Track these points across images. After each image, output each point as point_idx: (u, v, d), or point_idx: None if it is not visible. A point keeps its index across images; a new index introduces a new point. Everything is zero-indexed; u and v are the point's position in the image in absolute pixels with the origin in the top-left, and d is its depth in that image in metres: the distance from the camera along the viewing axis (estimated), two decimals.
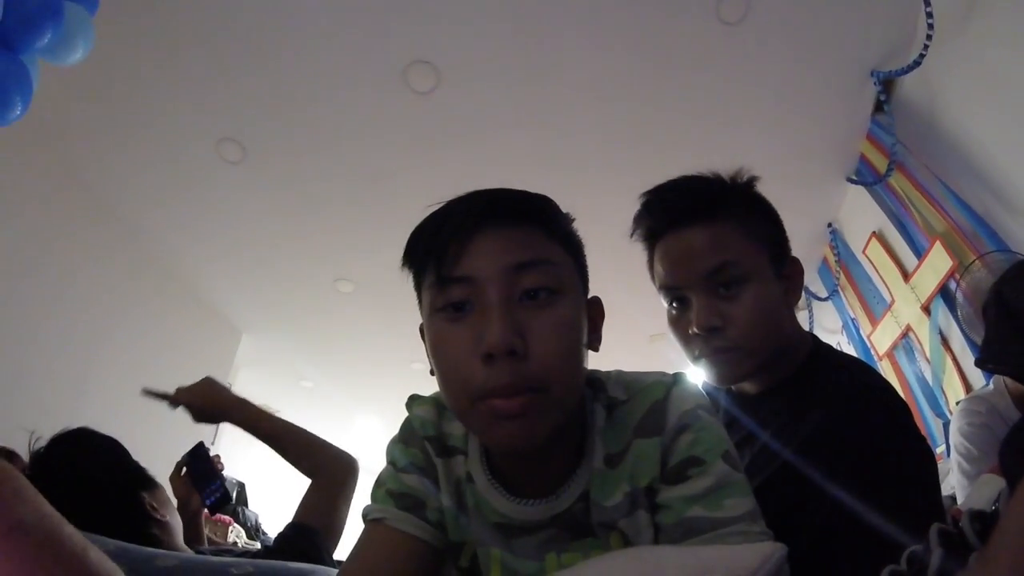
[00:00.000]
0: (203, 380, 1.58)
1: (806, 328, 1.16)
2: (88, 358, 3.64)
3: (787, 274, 1.07)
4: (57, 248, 3.42)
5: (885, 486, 0.84)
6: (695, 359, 1.05)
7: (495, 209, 0.73)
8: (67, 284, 3.48)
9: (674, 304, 1.05)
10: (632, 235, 1.12)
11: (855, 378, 0.99)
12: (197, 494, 1.61)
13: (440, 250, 0.71)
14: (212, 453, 1.67)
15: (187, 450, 1.66)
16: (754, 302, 0.99)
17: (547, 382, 0.68)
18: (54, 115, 3.03)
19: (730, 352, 1.00)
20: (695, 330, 1.00)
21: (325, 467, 1.45)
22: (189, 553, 1.38)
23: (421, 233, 0.75)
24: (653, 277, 1.10)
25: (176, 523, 1.49)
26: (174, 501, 1.57)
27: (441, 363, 0.72)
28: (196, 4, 2.62)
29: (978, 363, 1.11)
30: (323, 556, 1.30)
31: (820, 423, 0.93)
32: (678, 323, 1.05)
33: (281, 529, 1.41)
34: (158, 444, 3.56)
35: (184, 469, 1.63)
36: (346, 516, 1.42)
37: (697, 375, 1.04)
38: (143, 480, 1.47)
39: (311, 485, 1.44)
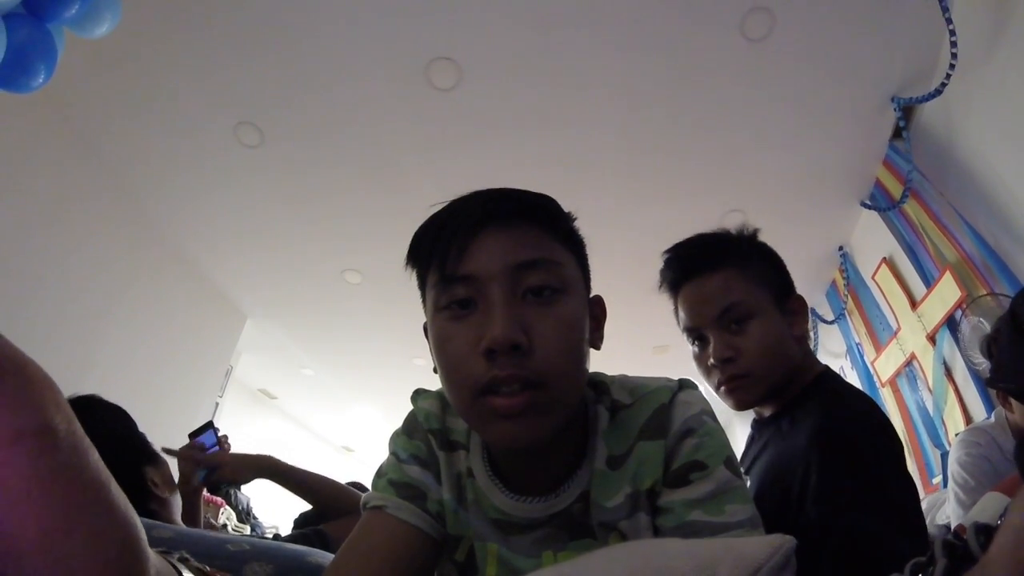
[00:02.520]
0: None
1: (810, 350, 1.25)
2: (92, 331, 3.65)
3: (791, 309, 1.21)
4: (67, 218, 3.41)
5: (862, 512, 0.89)
6: (716, 389, 1.20)
7: (498, 208, 0.74)
8: (75, 255, 3.48)
9: (696, 343, 1.22)
10: (660, 288, 1.28)
11: (847, 406, 1.07)
12: (196, 474, 1.62)
13: (443, 249, 0.72)
14: (220, 433, 1.68)
15: (198, 427, 1.67)
16: (760, 334, 1.14)
17: (548, 378, 0.68)
18: (75, 87, 3.04)
19: (742, 379, 1.15)
20: (712, 362, 1.16)
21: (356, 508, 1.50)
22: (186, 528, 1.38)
23: (425, 232, 0.76)
24: (678, 322, 1.25)
25: (175, 501, 1.50)
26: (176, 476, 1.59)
27: (444, 360, 0.73)
28: None
29: (989, 383, 1.14)
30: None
31: (805, 445, 1.00)
32: (700, 359, 1.21)
33: (303, 529, 1.46)
34: (157, 419, 3.58)
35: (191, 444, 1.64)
36: None
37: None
38: (148, 455, 1.47)
39: (344, 519, 1.50)
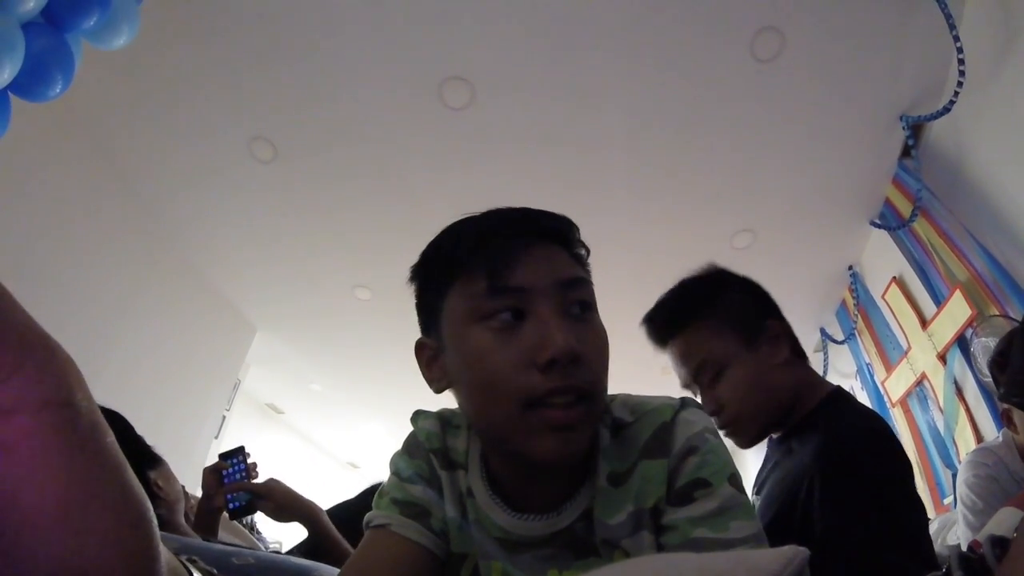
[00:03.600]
0: (277, 481, 1.61)
1: (820, 370, 1.28)
2: (101, 338, 3.65)
3: (768, 337, 1.23)
4: (79, 225, 3.42)
5: (864, 529, 0.91)
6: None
7: (544, 226, 0.76)
8: (85, 262, 3.48)
9: (696, 395, 1.28)
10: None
11: (851, 424, 1.09)
12: (223, 495, 1.63)
13: (492, 258, 0.72)
14: (250, 460, 1.68)
15: (230, 448, 1.67)
16: (735, 382, 1.20)
17: (596, 391, 0.70)
18: (91, 96, 3.07)
19: (734, 424, 1.21)
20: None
21: None
22: (192, 538, 1.38)
23: (460, 240, 0.76)
24: None
25: (178, 499, 1.49)
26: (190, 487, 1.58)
27: (486, 374, 0.71)
28: (240, 5, 2.69)
29: (1002, 397, 1.15)
30: None
31: (809, 463, 1.02)
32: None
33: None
34: (163, 430, 3.59)
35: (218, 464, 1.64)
36: None
37: None
38: (148, 458, 1.47)
39: None
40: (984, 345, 2.48)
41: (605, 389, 0.73)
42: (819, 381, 1.25)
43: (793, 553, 0.47)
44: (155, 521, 0.38)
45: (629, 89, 2.96)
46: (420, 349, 0.81)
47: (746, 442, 1.23)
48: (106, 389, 3.57)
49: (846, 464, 0.98)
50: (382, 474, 0.89)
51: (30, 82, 1.75)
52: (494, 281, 0.71)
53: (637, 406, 0.81)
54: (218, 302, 4.85)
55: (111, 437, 0.37)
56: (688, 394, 1.24)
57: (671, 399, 0.81)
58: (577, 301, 0.73)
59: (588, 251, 0.82)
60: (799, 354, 1.27)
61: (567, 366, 0.67)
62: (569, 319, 0.71)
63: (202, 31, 2.78)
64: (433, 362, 0.80)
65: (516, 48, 2.81)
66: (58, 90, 1.85)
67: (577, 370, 0.68)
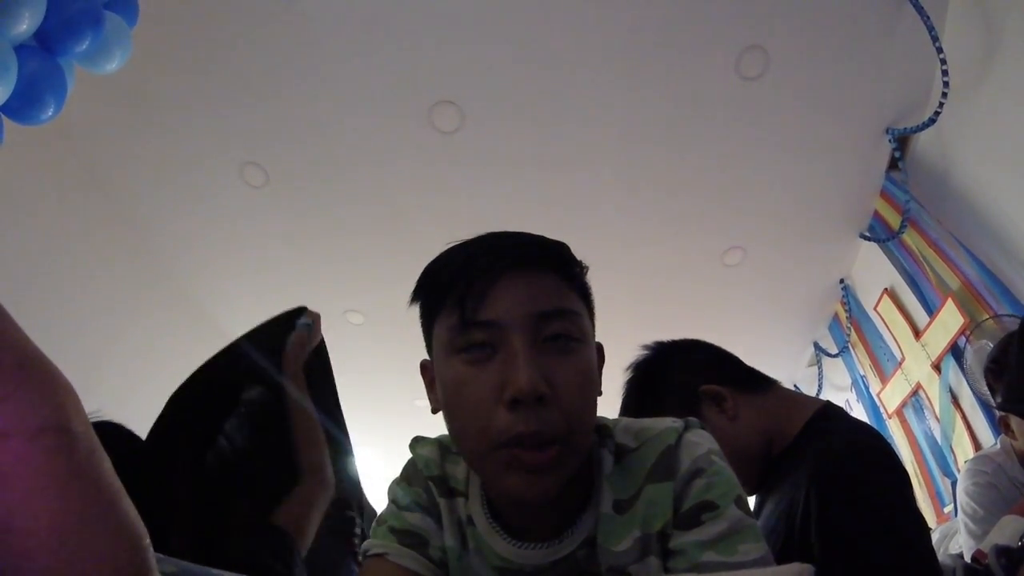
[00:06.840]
0: None
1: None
2: (95, 367, 3.60)
3: (707, 406, 1.19)
4: (73, 254, 3.40)
5: (867, 546, 0.89)
6: None
7: (522, 254, 0.74)
8: (79, 290, 3.45)
9: None
10: None
11: (843, 440, 1.06)
12: None
13: (464, 291, 0.71)
14: None
15: None
16: None
17: (570, 431, 0.68)
18: (83, 121, 3.07)
19: None
20: None
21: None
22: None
23: (441, 270, 0.75)
24: None
25: None
26: None
27: (460, 407, 0.71)
28: (231, 32, 2.72)
29: (1000, 406, 1.14)
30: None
31: (805, 482, 0.99)
32: None
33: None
34: None
35: None
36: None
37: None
38: None
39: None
40: (979, 348, 2.48)
41: (584, 427, 0.71)
42: (800, 402, 1.22)
43: (799, 570, 0.46)
44: (151, 548, 0.38)
45: (617, 111, 2.99)
46: (423, 371, 0.81)
47: (749, 493, 1.19)
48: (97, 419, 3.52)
49: (842, 479, 0.96)
50: (377, 501, 0.88)
51: (22, 105, 1.75)
52: (466, 315, 0.70)
53: (641, 431, 0.80)
54: (210, 329, 4.79)
55: (108, 464, 0.36)
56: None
57: (675, 421, 0.80)
58: (556, 334, 0.71)
59: (584, 269, 0.80)
60: (760, 386, 1.24)
61: (533, 405, 0.66)
62: (544, 354, 0.69)
63: (193, 56, 2.80)
64: (432, 385, 0.79)
65: (505, 72, 2.84)
66: (50, 113, 1.85)
67: (544, 410, 0.67)
